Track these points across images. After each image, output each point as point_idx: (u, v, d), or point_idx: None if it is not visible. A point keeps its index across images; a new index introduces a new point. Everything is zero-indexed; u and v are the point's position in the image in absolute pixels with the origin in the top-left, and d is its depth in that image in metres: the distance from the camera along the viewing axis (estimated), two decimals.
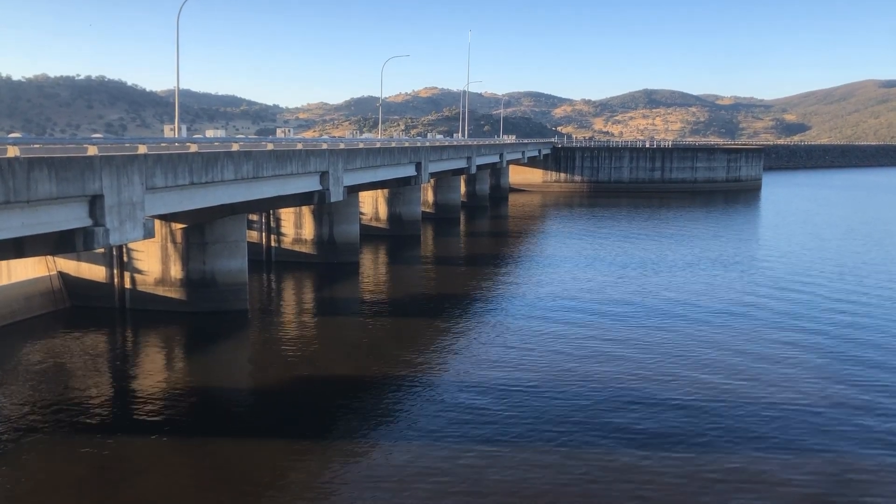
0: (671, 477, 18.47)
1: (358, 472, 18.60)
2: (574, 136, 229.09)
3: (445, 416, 22.24)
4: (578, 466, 18.97)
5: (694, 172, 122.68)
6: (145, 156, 25.41)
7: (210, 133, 54.29)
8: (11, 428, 21.12)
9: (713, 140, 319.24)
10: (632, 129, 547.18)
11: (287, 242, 50.38)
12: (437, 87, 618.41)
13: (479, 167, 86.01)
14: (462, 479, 18.19)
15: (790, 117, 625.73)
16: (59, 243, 23.48)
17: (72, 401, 23.31)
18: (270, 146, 35.41)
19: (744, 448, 20.22)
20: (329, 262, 49.12)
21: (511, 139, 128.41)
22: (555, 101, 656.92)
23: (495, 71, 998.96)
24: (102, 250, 34.35)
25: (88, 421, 21.75)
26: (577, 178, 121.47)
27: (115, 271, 35.17)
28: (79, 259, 35.07)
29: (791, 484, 18.20)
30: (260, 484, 17.89)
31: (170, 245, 34.63)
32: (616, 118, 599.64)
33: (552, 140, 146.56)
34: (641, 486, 18.01)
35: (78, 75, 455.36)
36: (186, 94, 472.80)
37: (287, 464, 19.11)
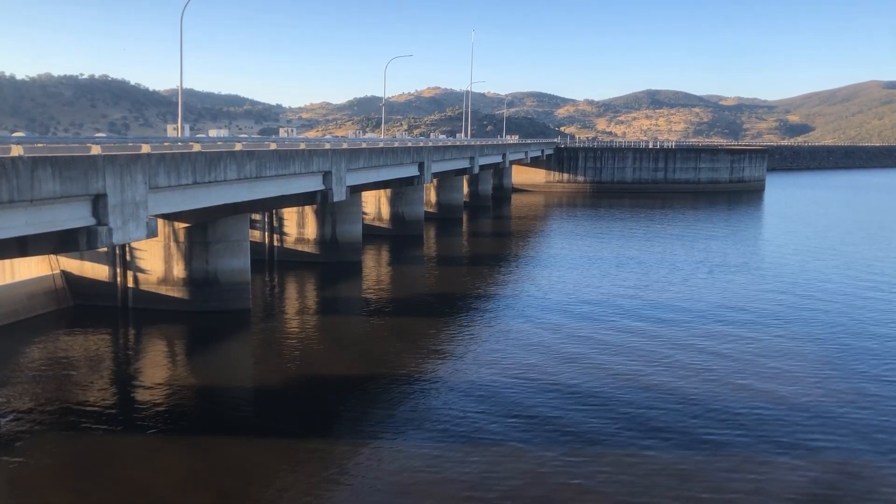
0: (675, 475, 18.48)
1: (360, 473, 18.61)
2: (577, 137, 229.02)
3: (447, 415, 22.22)
4: (585, 467, 18.96)
5: (697, 173, 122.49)
6: (148, 155, 25.45)
7: (213, 132, 54.37)
8: (15, 426, 21.14)
9: (716, 141, 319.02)
10: (635, 130, 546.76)
11: (290, 242, 50.42)
12: (439, 87, 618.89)
13: (482, 167, 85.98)
14: (465, 479, 18.18)
15: (794, 118, 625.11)
16: (63, 242, 23.52)
17: (74, 399, 23.33)
18: (273, 146, 35.42)
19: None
20: (331, 262, 49.15)
21: (514, 139, 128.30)
22: (558, 102, 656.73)
23: (498, 71, 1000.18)
24: (105, 249, 34.40)
25: (90, 419, 21.76)
26: (580, 178, 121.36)
27: (118, 270, 35.21)
28: (82, 258, 35.12)
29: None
30: (261, 483, 17.90)
31: (172, 244, 34.67)
32: (619, 118, 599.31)
33: (555, 140, 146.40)
34: (643, 483, 18.00)
35: (81, 74, 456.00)
36: (190, 94, 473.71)
37: (288, 463, 19.11)
